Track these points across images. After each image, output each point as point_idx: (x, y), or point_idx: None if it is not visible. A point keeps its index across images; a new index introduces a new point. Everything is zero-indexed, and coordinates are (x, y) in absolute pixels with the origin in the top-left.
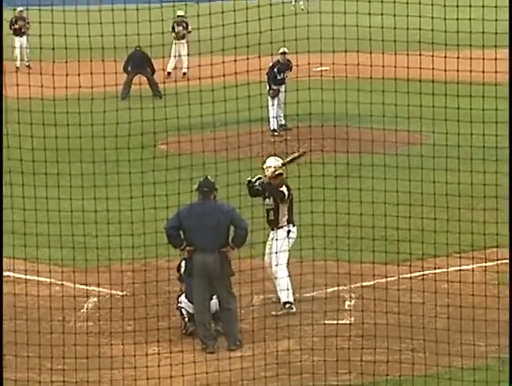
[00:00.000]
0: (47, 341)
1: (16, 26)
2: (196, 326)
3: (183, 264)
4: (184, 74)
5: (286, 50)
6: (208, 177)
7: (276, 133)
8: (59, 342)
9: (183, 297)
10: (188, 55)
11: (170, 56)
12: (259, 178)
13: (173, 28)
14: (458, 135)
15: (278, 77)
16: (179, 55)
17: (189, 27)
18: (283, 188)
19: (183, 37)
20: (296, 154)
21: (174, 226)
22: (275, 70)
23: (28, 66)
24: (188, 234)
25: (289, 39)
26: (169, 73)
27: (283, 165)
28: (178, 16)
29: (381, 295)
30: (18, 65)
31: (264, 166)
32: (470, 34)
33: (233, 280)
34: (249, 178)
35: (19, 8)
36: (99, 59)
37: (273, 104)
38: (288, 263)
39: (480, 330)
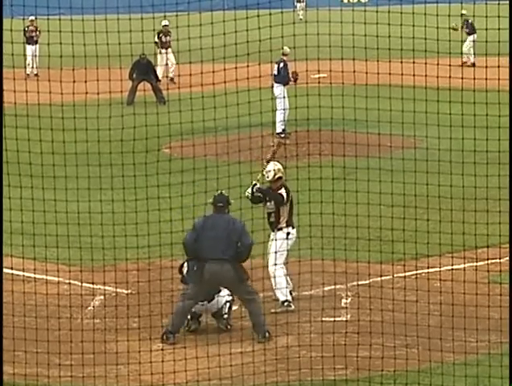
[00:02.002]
0: (56, 337)
1: (28, 35)
2: (174, 314)
3: (185, 265)
4: (172, 79)
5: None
6: (223, 192)
7: (283, 135)
8: (67, 338)
9: None
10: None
11: (158, 66)
12: (255, 185)
13: (160, 38)
14: (450, 139)
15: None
16: (166, 64)
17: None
18: (282, 190)
19: (168, 46)
20: (274, 148)
21: (192, 238)
22: (282, 65)
23: (36, 74)
24: (201, 244)
25: (288, 47)
26: (159, 81)
27: (268, 162)
28: (164, 26)
29: (376, 293)
30: (28, 72)
31: (264, 172)
32: (461, 42)
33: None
34: (247, 192)
35: (31, 17)
36: (105, 67)
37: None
38: (287, 263)
39: (471, 327)
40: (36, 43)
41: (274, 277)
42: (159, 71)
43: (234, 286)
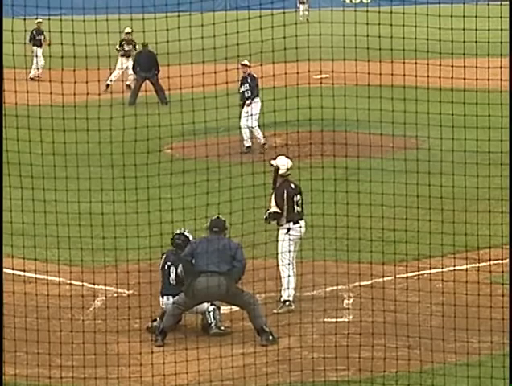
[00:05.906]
0: (57, 338)
1: (38, 38)
2: (165, 317)
3: (180, 268)
4: (128, 86)
5: (246, 62)
6: (220, 216)
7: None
8: (68, 339)
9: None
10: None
11: (115, 69)
12: (268, 210)
13: (122, 46)
14: (452, 140)
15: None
16: (122, 68)
17: (136, 46)
18: (273, 208)
19: (129, 55)
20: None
21: (189, 254)
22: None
23: (38, 78)
24: (196, 258)
25: (290, 47)
26: (108, 85)
27: (266, 221)
28: (126, 34)
29: (378, 294)
30: (31, 76)
31: (274, 163)
32: (463, 43)
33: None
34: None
35: (38, 19)
36: (106, 68)
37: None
38: (294, 261)
39: (473, 328)
40: (41, 46)
41: (283, 277)
42: (116, 75)
43: (228, 299)
